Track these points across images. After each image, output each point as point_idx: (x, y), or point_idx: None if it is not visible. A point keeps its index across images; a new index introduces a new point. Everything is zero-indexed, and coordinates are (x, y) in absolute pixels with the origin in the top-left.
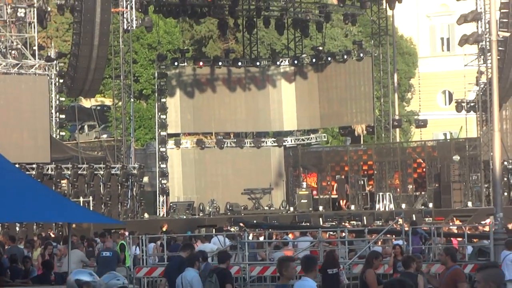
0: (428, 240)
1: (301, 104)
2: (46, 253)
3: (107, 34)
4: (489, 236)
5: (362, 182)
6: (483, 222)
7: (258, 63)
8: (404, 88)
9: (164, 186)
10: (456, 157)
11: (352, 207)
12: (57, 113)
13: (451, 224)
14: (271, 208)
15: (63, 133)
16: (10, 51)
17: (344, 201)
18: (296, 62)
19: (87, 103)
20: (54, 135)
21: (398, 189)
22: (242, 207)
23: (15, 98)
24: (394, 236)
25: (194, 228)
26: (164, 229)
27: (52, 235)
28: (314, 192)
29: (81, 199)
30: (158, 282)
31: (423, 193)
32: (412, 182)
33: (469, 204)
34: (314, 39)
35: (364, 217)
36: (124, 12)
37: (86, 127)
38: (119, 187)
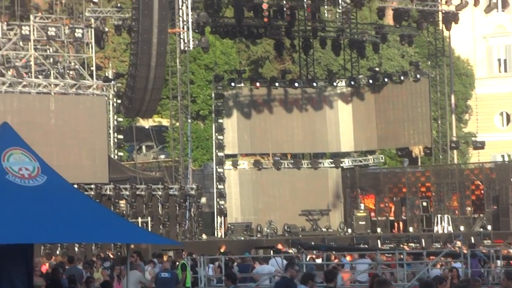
0: (487, 263)
1: (358, 125)
2: (114, 274)
3: (164, 54)
4: None
5: (420, 204)
6: None
7: (314, 84)
8: (461, 109)
9: (222, 207)
10: None
11: (410, 229)
12: (115, 134)
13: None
14: (329, 230)
15: (121, 154)
16: (68, 71)
17: (401, 223)
18: (352, 83)
19: (144, 123)
20: (112, 156)
21: (456, 211)
22: (300, 229)
23: (73, 119)
24: (452, 258)
25: (252, 250)
26: (222, 250)
27: (111, 256)
28: (372, 214)
29: (139, 219)
30: None
31: (481, 215)
32: (470, 204)
33: None
34: (370, 59)
35: (423, 239)
36: (181, 33)
37: (144, 147)
38: (177, 208)
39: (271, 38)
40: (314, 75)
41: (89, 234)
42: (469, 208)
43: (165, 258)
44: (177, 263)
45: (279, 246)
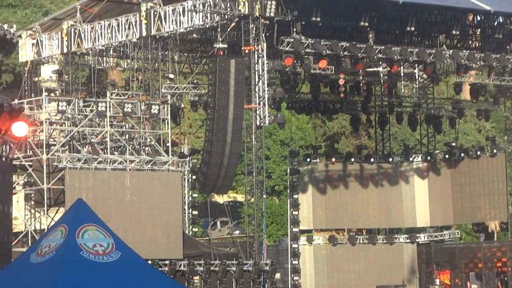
0: None
1: (434, 200)
2: None
3: (240, 130)
4: None
5: (497, 280)
6: None
7: (390, 159)
8: None
9: (297, 282)
10: None
11: None
12: (190, 209)
13: None
14: None
15: (196, 229)
16: (143, 147)
17: None
18: (429, 158)
19: (219, 199)
20: (187, 231)
21: None
22: None
23: (148, 194)
24: None
25: None
26: None
27: None
28: None
29: None
30: None
31: None
32: None
33: None
34: (447, 134)
35: None
36: (257, 108)
37: (218, 223)
38: (252, 284)
39: (347, 114)
40: (390, 150)
41: None
42: None
43: None
44: None
45: None
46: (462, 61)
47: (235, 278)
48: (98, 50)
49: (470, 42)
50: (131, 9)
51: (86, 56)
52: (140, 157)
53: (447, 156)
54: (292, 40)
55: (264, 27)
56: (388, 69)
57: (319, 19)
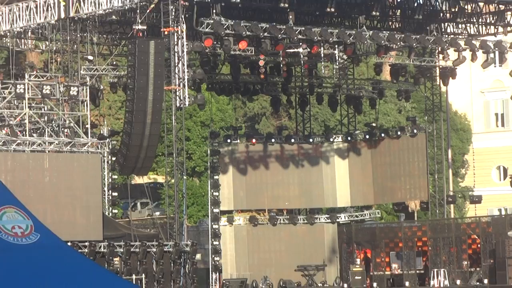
0: None
1: (354, 180)
2: None
3: (160, 112)
4: None
5: (416, 259)
6: None
7: (311, 140)
8: (458, 164)
9: (217, 263)
10: (511, 233)
11: (407, 283)
12: (110, 191)
13: None
14: (325, 285)
15: (116, 211)
16: (62, 129)
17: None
18: (349, 138)
19: (140, 180)
20: (106, 213)
21: (453, 265)
22: (296, 284)
23: (68, 176)
24: None
25: None
26: None
27: None
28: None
29: (134, 276)
30: None
31: (478, 269)
32: (466, 258)
33: None
34: (367, 115)
35: None
36: (177, 90)
37: (138, 204)
38: (172, 265)
39: (267, 95)
40: (310, 131)
41: None
42: (466, 262)
43: None
44: None
45: None
46: (382, 42)
47: (155, 259)
48: (16, 32)
49: (390, 23)
50: None
51: (4, 38)
52: (59, 139)
53: (367, 137)
54: (212, 21)
55: (184, 8)
56: (308, 50)
57: (238, 0)
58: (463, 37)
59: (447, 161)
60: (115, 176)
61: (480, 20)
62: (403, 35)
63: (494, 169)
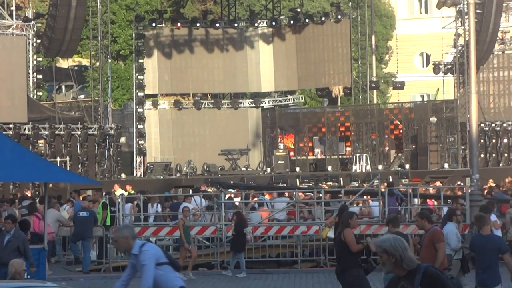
0: (404, 201)
1: (278, 65)
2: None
3: None
4: (465, 197)
5: (339, 143)
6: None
7: (236, 25)
8: (382, 50)
9: (141, 146)
10: (433, 119)
11: (329, 168)
12: (35, 74)
13: (431, 185)
14: (248, 169)
15: (41, 94)
16: None
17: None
18: (274, 23)
19: (64, 63)
20: (31, 95)
21: (375, 151)
22: (219, 168)
23: None
24: (370, 197)
25: (171, 189)
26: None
27: (29, 195)
28: (291, 153)
29: (58, 159)
30: None
31: (400, 154)
32: (389, 144)
33: (446, 165)
34: (292, 0)
35: (341, 178)
36: None
37: (63, 87)
38: (96, 148)
39: None
40: (235, 15)
41: (7, 174)
42: (388, 148)
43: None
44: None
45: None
46: None
47: (80, 142)
48: None
49: None
50: None
51: None
52: None
53: (292, 22)
54: None
55: None
56: None
57: None
58: None
59: (371, 47)
60: (40, 59)
61: None
62: None
63: (417, 55)
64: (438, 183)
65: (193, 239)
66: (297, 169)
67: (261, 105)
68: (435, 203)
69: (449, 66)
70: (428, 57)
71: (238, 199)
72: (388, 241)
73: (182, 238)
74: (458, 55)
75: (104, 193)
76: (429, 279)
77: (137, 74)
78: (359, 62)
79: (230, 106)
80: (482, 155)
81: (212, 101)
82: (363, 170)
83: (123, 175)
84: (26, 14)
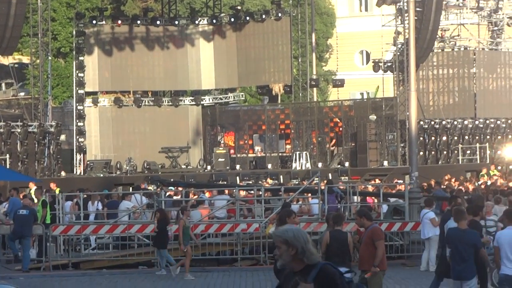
0: (343, 199)
1: (219, 63)
2: None
3: None
4: (404, 195)
5: (279, 141)
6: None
7: (176, 22)
8: (322, 48)
9: (82, 144)
10: (373, 117)
11: (269, 166)
12: None
13: (371, 183)
14: (189, 167)
15: None
16: None
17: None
18: (214, 21)
19: (4, 60)
20: None
21: (315, 148)
22: (160, 166)
23: None
24: (310, 194)
25: (112, 187)
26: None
27: None
28: (232, 151)
29: None
30: (74, 240)
31: (339, 152)
32: (328, 141)
33: (385, 163)
34: None
35: (281, 176)
36: None
37: (3, 84)
38: (36, 145)
39: None
40: (176, 13)
41: None
42: (328, 145)
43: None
44: (37, 200)
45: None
46: None
47: (19, 139)
48: None
49: None
50: None
51: None
52: None
53: (232, 20)
54: None
55: None
56: None
57: None
58: None
59: (311, 45)
60: None
61: None
62: None
63: (357, 53)
64: (377, 181)
65: (132, 238)
66: (237, 166)
67: (202, 102)
68: (375, 200)
69: (389, 64)
70: (368, 55)
71: (178, 197)
72: (290, 231)
73: (180, 238)
74: (398, 53)
75: (44, 191)
76: (323, 277)
77: (77, 72)
78: (299, 60)
79: (170, 103)
80: (421, 153)
81: (153, 98)
82: (303, 168)
83: (63, 173)
84: None
